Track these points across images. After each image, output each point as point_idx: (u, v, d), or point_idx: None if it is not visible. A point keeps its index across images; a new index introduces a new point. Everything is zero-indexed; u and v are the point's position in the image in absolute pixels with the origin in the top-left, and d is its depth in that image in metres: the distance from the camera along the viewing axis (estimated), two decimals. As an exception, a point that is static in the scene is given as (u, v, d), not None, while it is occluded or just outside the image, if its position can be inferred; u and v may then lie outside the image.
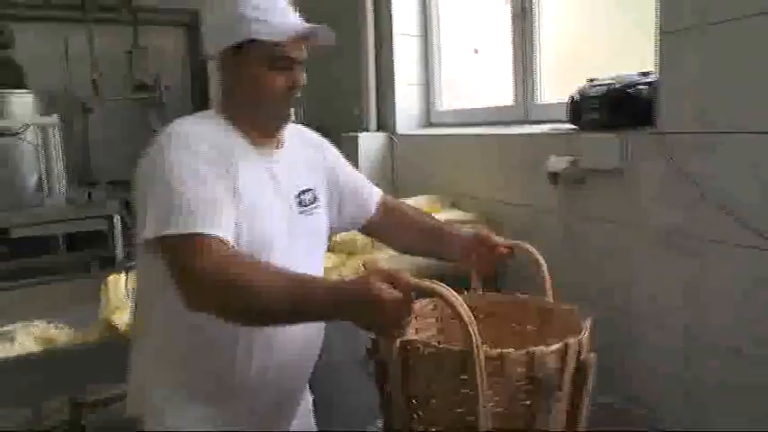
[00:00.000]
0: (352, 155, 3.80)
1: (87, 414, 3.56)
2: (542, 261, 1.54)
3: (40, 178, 4.89)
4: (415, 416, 1.23)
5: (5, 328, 2.44)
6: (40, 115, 4.94)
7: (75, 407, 3.47)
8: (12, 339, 2.38)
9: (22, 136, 4.78)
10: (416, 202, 3.11)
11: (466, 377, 1.11)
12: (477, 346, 1.08)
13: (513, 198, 2.84)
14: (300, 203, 1.65)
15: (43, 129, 4.87)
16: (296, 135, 1.74)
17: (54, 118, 4.84)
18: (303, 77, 1.58)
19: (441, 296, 1.11)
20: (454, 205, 3.16)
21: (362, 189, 1.87)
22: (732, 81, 1.84)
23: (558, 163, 2.40)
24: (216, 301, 1.33)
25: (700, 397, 2.01)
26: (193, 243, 1.35)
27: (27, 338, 2.39)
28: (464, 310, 1.09)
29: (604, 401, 1.76)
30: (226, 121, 1.59)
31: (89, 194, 4.91)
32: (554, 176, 2.42)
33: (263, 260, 1.47)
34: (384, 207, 1.89)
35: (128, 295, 2.49)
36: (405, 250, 1.98)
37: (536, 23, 2.98)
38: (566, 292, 2.53)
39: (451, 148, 3.36)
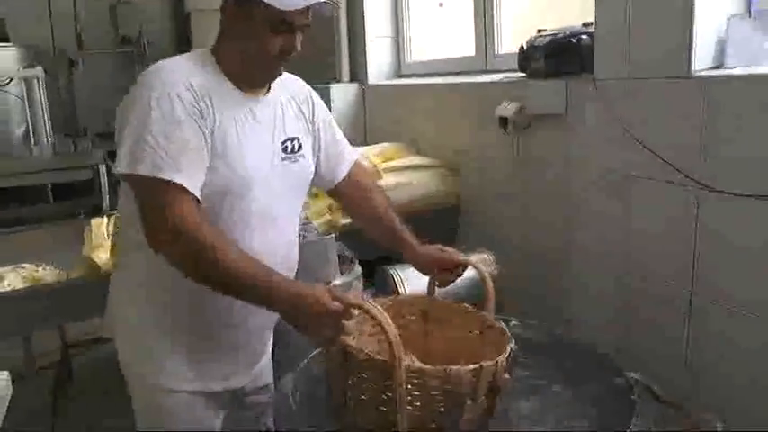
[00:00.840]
0: (325, 105, 3.94)
1: (85, 349, 3.74)
2: (489, 279, 1.62)
3: (26, 130, 4.99)
4: (348, 405, 1.40)
5: (-5, 271, 2.60)
6: (24, 68, 5.02)
7: (66, 347, 3.65)
8: (1, 280, 2.54)
9: (7, 88, 4.88)
10: (384, 148, 3.27)
11: (390, 383, 1.28)
12: (399, 362, 1.25)
13: (469, 142, 3.00)
14: (284, 150, 1.66)
15: (28, 81, 4.95)
16: (287, 83, 1.74)
17: (38, 70, 4.91)
18: (299, 43, 1.56)
19: (374, 318, 1.29)
20: (418, 151, 3.32)
21: (338, 153, 1.87)
22: (653, 31, 1.99)
23: (506, 109, 2.55)
24: (185, 258, 1.41)
25: (631, 319, 2.21)
26: (162, 189, 1.40)
27: (16, 279, 2.55)
28: (391, 331, 1.26)
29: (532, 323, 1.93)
30: (215, 63, 1.59)
31: (75, 145, 5.01)
32: (504, 122, 2.57)
33: (240, 208, 1.56)
34: (351, 179, 1.89)
35: (108, 236, 2.64)
36: (363, 230, 1.97)
37: (495, -23, 3.09)
38: (513, 229, 2.73)
39: (416, 97, 3.50)
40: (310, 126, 1.79)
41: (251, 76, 1.61)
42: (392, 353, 1.25)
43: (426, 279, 1.77)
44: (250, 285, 1.39)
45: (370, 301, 1.38)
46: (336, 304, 1.34)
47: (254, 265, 1.41)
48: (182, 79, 1.50)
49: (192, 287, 1.44)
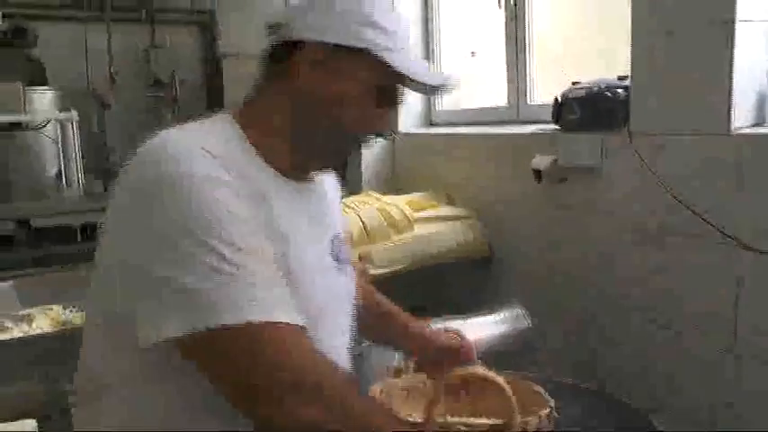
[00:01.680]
0: (355, 154, 3.95)
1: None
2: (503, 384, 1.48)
3: (59, 171, 5.06)
4: None
5: (24, 312, 2.61)
6: (60, 110, 5.10)
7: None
8: (30, 322, 2.55)
9: (43, 130, 4.96)
10: (414, 198, 3.26)
11: None
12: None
13: (502, 194, 2.97)
14: (335, 256, 1.26)
15: (63, 123, 5.04)
16: None
17: (73, 113, 5.00)
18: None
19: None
20: (449, 201, 3.30)
21: None
22: (691, 86, 1.97)
23: (541, 161, 2.54)
24: (325, 423, 0.97)
25: (667, 378, 2.15)
26: (266, 336, 0.95)
27: (44, 321, 2.56)
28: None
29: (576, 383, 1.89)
30: (243, 137, 1.14)
31: (105, 187, 5.07)
32: (538, 174, 2.55)
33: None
34: None
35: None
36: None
37: (527, 28, 3.09)
38: (545, 282, 2.69)
39: (448, 147, 3.48)
40: (339, 203, 1.47)
41: (309, 159, 1.21)
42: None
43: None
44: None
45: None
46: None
47: (378, 408, 1.15)
48: (215, 157, 1.03)
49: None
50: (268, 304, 0.95)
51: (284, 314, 0.97)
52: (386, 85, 1.16)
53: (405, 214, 2.92)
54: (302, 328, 0.99)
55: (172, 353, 0.98)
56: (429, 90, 1.27)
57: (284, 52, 1.16)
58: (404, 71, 1.13)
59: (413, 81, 1.17)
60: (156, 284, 0.95)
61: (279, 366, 0.95)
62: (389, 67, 1.13)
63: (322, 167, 1.25)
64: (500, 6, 3.18)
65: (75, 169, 5.15)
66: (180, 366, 1.00)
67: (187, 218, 0.94)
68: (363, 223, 2.86)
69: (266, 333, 0.94)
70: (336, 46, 1.12)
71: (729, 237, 1.86)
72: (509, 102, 3.24)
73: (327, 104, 1.15)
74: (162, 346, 0.95)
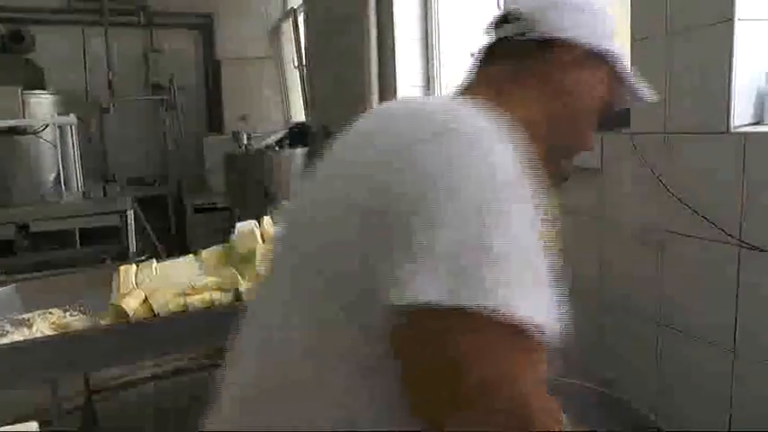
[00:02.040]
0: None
1: (110, 394, 3.73)
2: None
3: (58, 175, 5.07)
4: None
5: (24, 316, 2.60)
6: (59, 115, 5.11)
7: (90, 393, 3.63)
8: (30, 326, 2.54)
9: (42, 135, 4.96)
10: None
11: None
12: None
13: (502, 195, 2.97)
14: None
15: (62, 128, 5.04)
16: None
17: (72, 117, 5.01)
18: None
19: None
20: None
21: None
22: (691, 85, 1.97)
23: (541, 162, 2.53)
24: None
25: (669, 379, 2.14)
26: (520, 341, 0.77)
27: (44, 325, 2.55)
28: None
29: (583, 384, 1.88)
30: (510, 134, 0.87)
31: (104, 191, 5.08)
32: (538, 175, 2.55)
33: None
34: None
35: (136, 284, 2.63)
36: None
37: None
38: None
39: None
40: None
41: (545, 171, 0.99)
42: None
43: None
44: None
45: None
46: None
47: None
48: (512, 156, 0.84)
49: None
50: (537, 304, 0.78)
51: (545, 324, 0.78)
52: (614, 98, 1.07)
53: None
54: (544, 350, 0.81)
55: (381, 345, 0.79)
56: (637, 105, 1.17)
57: (532, 48, 1.02)
58: (633, 86, 1.07)
59: (632, 96, 1.09)
60: (420, 244, 0.74)
61: (500, 383, 0.77)
62: (620, 78, 1.05)
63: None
64: (499, 7, 3.18)
65: (74, 173, 5.16)
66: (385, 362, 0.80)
67: (462, 177, 0.77)
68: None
69: (512, 336, 0.75)
70: (593, 51, 1.01)
71: (730, 236, 1.85)
72: (509, 103, 3.23)
73: (580, 111, 1.04)
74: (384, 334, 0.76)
